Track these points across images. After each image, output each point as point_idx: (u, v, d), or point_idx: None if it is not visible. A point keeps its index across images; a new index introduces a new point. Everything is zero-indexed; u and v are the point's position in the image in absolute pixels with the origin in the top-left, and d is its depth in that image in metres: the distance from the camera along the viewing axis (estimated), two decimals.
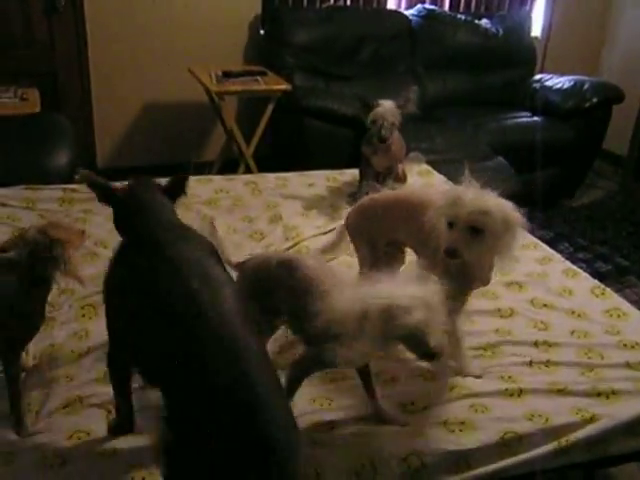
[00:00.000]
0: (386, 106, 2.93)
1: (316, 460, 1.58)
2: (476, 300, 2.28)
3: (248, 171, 4.33)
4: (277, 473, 1.21)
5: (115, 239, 1.65)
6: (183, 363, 1.27)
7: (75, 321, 2.13)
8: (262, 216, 2.88)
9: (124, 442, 1.63)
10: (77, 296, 2.23)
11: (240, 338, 1.31)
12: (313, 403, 1.80)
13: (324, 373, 1.86)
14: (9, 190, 2.93)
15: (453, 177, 3.33)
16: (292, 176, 3.32)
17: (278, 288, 1.71)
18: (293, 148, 4.36)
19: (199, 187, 3.04)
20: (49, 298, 1.80)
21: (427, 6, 5.22)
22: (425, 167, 3.44)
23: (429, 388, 1.89)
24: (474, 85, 5.17)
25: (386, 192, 2.23)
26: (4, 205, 2.84)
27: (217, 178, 3.29)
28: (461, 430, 1.70)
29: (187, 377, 1.27)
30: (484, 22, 5.20)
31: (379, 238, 2.17)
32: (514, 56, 5.26)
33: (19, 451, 1.60)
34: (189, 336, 1.30)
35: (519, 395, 1.84)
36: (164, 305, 1.36)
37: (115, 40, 4.62)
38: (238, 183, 3.20)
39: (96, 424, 1.69)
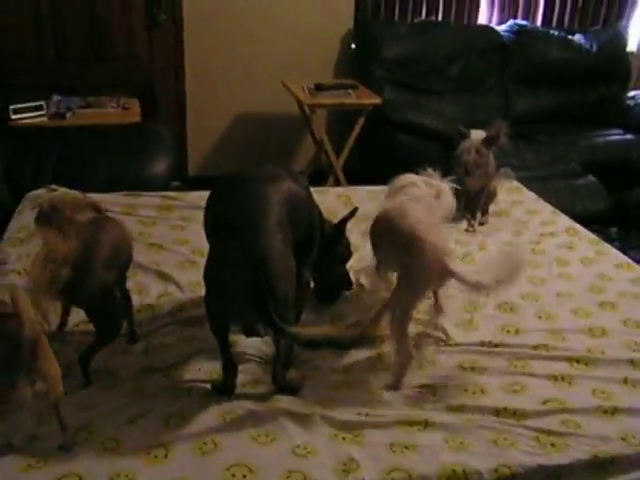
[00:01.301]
0: (476, 138, 2.85)
1: (403, 466, 1.61)
2: (567, 318, 2.30)
3: (337, 183, 4.41)
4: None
5: None
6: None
7: None
8: (354, 229, 2.89)
9: None
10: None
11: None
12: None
13: None
14: (111, 196, 3.05)
15: (543, 194, 3.36)
16: (383, 190, 3.34)
17: None
18: (382, 161, 4.41)
19: None
20: None
21: (519, 22, 5.20)
22: (515, 184, 3.42)
23: (521, 398, 1.89)
24: (565, 101, 5.12)
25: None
26: (106, 211, 2.96)
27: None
28: (553, 445, 1.70)
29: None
30: (577, 37, 5.15)
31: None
32: (608, 72, 5.19)
33: None
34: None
35: (612, 413, 1.83)
36: None
37: (210, 53, 4.78)
38: (330, 195, 3.24)
39: None
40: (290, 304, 1.77)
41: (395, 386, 1.91)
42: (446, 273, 1.89)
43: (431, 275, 1.91)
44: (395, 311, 1.94)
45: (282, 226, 1.78)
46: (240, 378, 1.90)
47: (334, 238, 2.28)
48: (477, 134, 2.85)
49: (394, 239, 1.99)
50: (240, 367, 1.92)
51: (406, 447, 1.67)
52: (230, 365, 1.85)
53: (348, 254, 2.37)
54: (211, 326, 1.85)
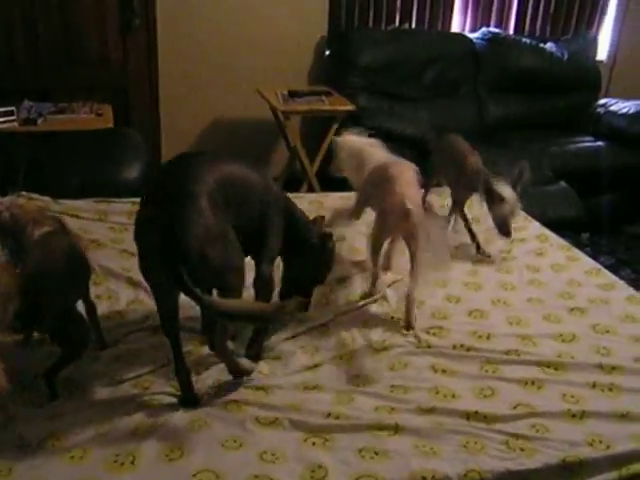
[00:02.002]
0: (512, 198, 2.69)
1: (373, 472, 1.61)
2: (537, 324, 2.32)
3: (311, 189, 4.41)
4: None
5: None
6: None
7: None
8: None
9: None
10: None
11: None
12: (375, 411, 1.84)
13: None
14: (82, 202, 3.03)
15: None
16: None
17: None
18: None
19: None
20: None
21: (492, 29, 5.25)
22: None
23: (492, 403, 1.90)
24: (537, 109, 5.18)
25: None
26: (77, 217, 2.94)
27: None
28: (522, 449, 1.71)
29: None
30: (549, 46, 5.20)
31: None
32: (578, 80, 5.26)
33: None
34: None
35: (581, 417, 1.84)
36: None
37: (185, 60, 4.77)
38: (303, 201, 3.24)
39: None
40: (225, 274, 1.77)
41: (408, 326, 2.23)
42: (405, 212, 2.24)
43: (394, 211, 2.29)
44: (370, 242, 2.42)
45: (210, 199, 1.74)
46: (207, 383, 1.90)
47: (314, 246, 2.23)
48: (506, 191, 2.68)
49: (381, 185, 2.42)
50: (205, 373, 1.93)
51: (376, 453, 1.66)
52: (181, 366, 1.83)
53: (323, 269, 2.31)
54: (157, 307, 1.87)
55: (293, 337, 2.19)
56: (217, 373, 1.97)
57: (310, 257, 2.21)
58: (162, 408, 1.80)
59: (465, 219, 2.94)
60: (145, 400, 1.83)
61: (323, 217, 2.35)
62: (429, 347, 2.14)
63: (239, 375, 1.92)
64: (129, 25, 4.48)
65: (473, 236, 2.90)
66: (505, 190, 2.67)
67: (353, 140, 2.78)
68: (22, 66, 4.40)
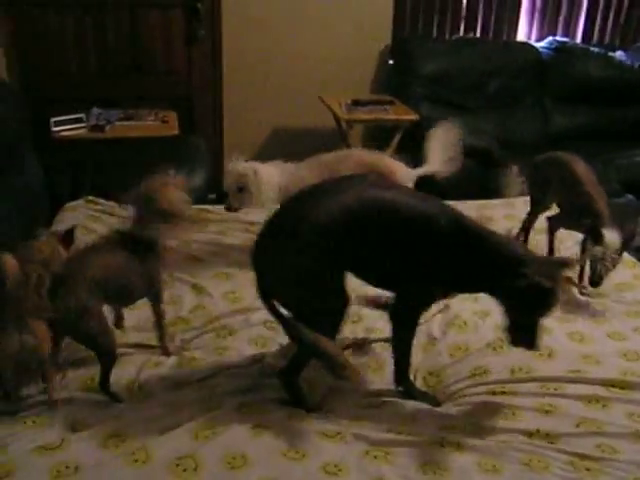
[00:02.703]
0: (612, 242, 2.46)
1: None
2: (600, 342, 2.25)
3: None
4: None
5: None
6: None
7: None
8: None
9: None
10: None
11: None
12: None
13: None
14: None
15: None
16: None
17: None
18: (419, 178, 4.39)
19: None
20: None
21: (558, 38, 5.16)
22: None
23: (554, 420, 1.86)
24: (605, 119, 5.04)
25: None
26: None
27: None
28: (588, 469, 1.66)
29: None
30: (618, 54, 5.09)
31: None
32: None
33: None
34: None
35: None
36: None
37: (248, 69, 4.82)
38: None
39: None
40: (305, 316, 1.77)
41: None
42: None
43: None
44: None
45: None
46: (271, 394, 1.91)
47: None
48: (612, 237, 2.46)
49: None
50: (268, 381, 1.95)
51: (438, 468, 1.65)
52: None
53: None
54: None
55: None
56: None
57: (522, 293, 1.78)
58: (224, 414, 1.81)
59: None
60: (207, 405, 1.84)
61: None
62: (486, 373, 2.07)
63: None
64: (195, 36, 4.55)
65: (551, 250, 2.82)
66: (613, 236, 2.43)
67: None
68: (92, 75, 4.53)
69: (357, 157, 2.69)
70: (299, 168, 2.73)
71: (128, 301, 2.07)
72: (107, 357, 1.88)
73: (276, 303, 1.80)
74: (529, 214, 2.94)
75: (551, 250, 2.82)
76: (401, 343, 1.97)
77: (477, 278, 1.81)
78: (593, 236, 2.45)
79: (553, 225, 2.82)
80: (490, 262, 1.77)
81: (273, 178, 2.65)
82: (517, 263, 1.74)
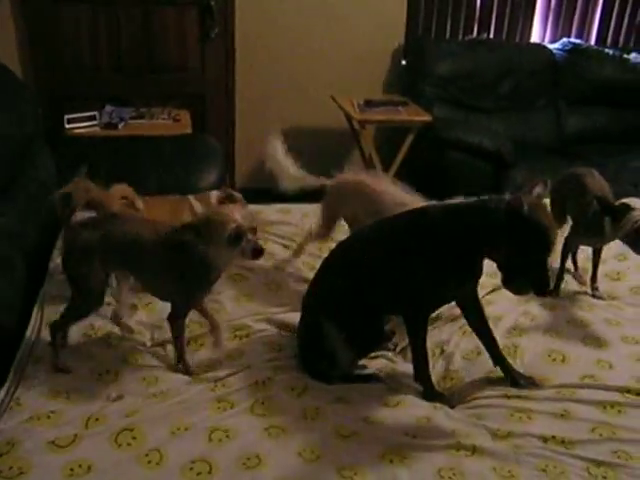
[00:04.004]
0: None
1: None
2: (614, 346, 2.23)
3: None
4: None
5: None
6: None
7: None
8: None
9: None
10: None
11: None
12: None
13: None
14: None
15: None
16: None
17: None
18: (430, 179, 4.37)
19: None
20: None
21: (572, 40, 5.13)
22: None
23: (569, 425, 1.84)
24: (619, 121, 5.02)
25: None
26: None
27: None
28: (604, 477, 1.65)
29: None
30: (633, 56, 5.05)
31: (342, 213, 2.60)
32: None
33: None
34: None
35: None
36: None
37: (261, 68, 4.81)
38: None
39: None
40: None
41: None
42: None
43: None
44: None
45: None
46: (285, 394, 1.90)
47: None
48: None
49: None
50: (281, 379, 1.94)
51: (454, 474, 1.64)
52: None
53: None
54: None
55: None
56: (292, 378, 1.98)
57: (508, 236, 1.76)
58: (238, 414, 1.81)
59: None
60: (221, 405, 1.84)
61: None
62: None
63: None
64: (208, 34, 4.54)
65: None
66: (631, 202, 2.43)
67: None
68: (105, 73, 4.52)
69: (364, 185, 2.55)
70: None
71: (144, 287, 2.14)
72: (79, 303, 1.99)
73: None
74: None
75: (576, 265, 2.73)
76: (417, 342, 1.99)
77: (477, 246, 1.84)
78: (611, 216, 2.40)
79: (571, 244, 2.65)
80: (481, 224, 1.80)
81: None
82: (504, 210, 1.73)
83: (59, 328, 2.02)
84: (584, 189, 2.59)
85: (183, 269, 1.91)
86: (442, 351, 2.19)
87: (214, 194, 2.81)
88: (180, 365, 2.02)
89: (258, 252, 1.83)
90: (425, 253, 1.87)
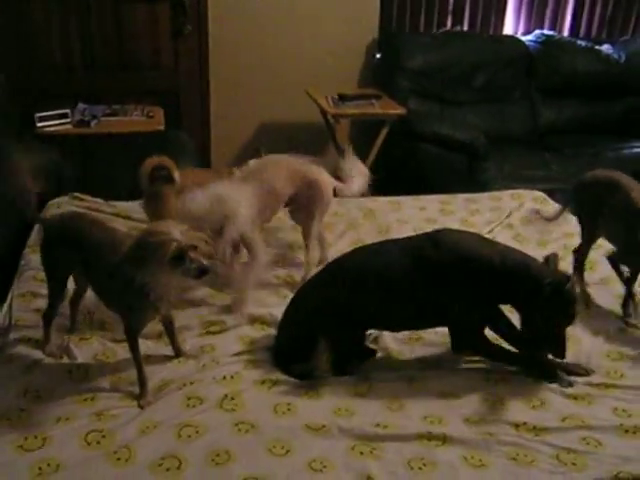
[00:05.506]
0: None
1: None
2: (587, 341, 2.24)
3: None
4: None
5: None
6: None
7: None
8: (375, 240, 2.86)
9: None
10: None
11: None
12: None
13: None
14: (133, 204, 3.07)
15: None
16: (405, 200, 3.33)
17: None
18: (406, 172, 4.38)
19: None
20: None
21: (546, 32, 5.15)
22: (539, 194, 3.39)
23: (540, 413, 1.86)
24: (592, 112, 5.04)
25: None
26: (128, 218, 2.98)
27: (332, 201, 3.28)
28: (574, 464, 1.66)
29: None
30: (605, 48, 5.08)
31: None
32: (636, 83, 5.08)
33: None
34: None
35: (634, 432, 1.78)
36: None
37: (235, 63, 4.79)
38: (351, 206, 3.24)
39: None
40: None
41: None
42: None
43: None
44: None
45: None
46: (252, 388, 1.90)
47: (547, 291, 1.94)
48: None
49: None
50: (245, 372, 1.94)
51: (424, 464, 1.64)
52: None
53: (562, 318, 2.00)
54: None
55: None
56: (260, 370, 1.99)
57: (545, 304, 1.92)
58: (206, 410, 1.80)
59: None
60: (189, 402, 1.83)
61: (556, 254, 2.05)
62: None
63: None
64: (181, 30, 4.52)
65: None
66: None
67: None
68: (77, 70, 4.47)
69: (286, 164, 2.63)
70: (240, 190, 2.41)
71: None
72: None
73: None
74: (580, 246, 2.60)
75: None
76: (488, 352, 2.07)
77: (512, 299, 2.01)
78: None
79: (616, 264, 2.46)
80: (521, 283, 1.96)
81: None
82: (541, 278, 1.92)
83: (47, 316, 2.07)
84: (628, 202, 2.31)
85: (122, 293, 1.83)
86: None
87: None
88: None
89: (203, 271, 1.72)
90: (474, 291, 1.98)
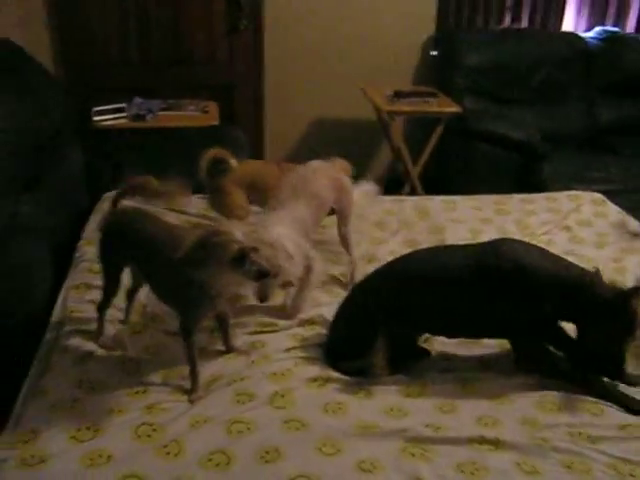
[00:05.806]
0: None
1: None
2: None
3: (413, 191, 4.35)
4: None
5: None
6: None
7: None
8: (428, 239, 2.84)
9: None
10: None
11: None
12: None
13: None
14: (187, 198, 3.08)
15: (628, 208, 3.22)
16: (460, 199, 3.28)
17: None
18: (460, 170, 4.33)
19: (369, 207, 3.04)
20: None
21: (608, 28, 5.02)
22: (598, 196, 3.30)
23: (597, 420, 1.80)
24: None
25: None
26: (183, 213, 3.00)
27: (387, 199, 3.25)
28: (632, 475, 1.60)
29: None
30: None
31: None
32: None
33: None
34: None
35: None
36: None
37: (290, 59, 4.79)
38: (406, 204, 3.20)
39: None
40: None
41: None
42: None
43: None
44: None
45: None
46: (303, 386, 1.89)
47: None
48: None
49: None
50: (296, 369, 1.92)
51: (476, 469, 1.61)
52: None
53: (622, 333, 1.93)
54: None
55: None
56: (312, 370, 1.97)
57: (609, 318, 1.89)
58: (257, 407, 1.80)
59: None
60: (239, 398, 1.83)
61: (598, 270, 1.95)
62: None
63: None
64: (237, 26, 4.54)
65: None
66: None
67: None
68: (134, 65, 4.54)
69: (325, 171, 2.59)
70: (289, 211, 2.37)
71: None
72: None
73: None
74: None
75: None
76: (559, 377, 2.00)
77: (574, 314, 1.95)
78: None
79: None
80: (585, 297, 1.91)
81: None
82: (606, 291, 1.88)
83: (101, 308, 2.11)
84: None
85: (180, 289, 1.85)
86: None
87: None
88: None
89: (263, 274, 1.75)
90: (536, 304, 1.93)
